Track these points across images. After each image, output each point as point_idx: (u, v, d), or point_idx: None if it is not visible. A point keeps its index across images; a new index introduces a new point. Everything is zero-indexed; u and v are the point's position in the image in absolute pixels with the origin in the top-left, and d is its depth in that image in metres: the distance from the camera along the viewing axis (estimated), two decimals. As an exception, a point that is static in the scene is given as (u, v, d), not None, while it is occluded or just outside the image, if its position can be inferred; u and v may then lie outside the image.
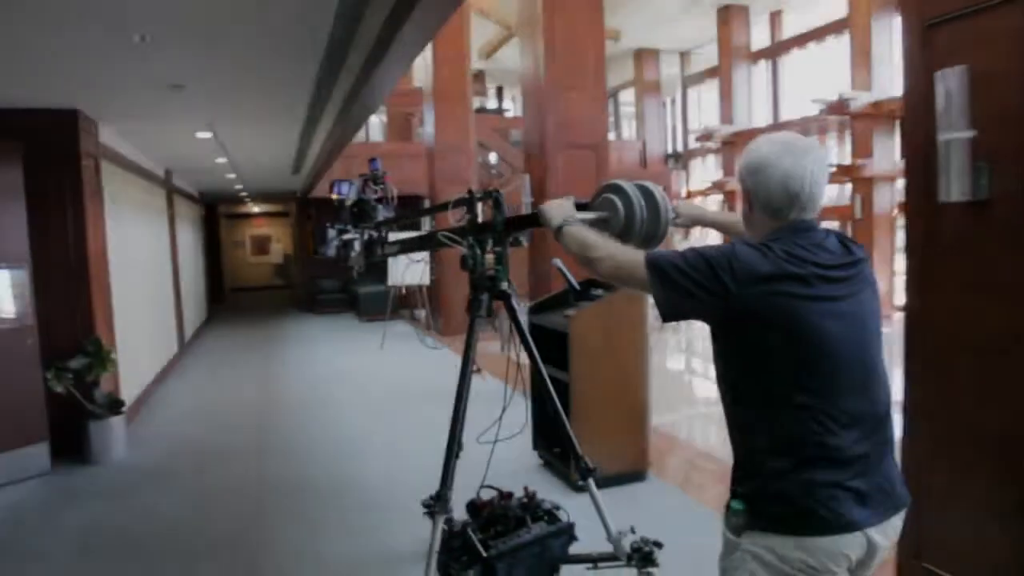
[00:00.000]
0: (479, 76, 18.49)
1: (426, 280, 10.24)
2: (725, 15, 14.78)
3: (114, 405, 5.32)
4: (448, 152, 10.67)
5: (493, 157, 15.44)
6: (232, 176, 11.06)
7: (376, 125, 16.07)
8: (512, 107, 20.31)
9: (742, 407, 1.64)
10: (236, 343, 11.62)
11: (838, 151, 14.39)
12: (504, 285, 2.60)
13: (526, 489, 2.86)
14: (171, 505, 4.38)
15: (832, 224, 14.10)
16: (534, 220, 2.17)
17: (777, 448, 1.55)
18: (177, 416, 6.62)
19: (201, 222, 14.75)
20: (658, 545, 2.44)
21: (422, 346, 9.10)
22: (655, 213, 1.99)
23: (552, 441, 4.48)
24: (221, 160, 8.76)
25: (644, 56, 18.25)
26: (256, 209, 21.86)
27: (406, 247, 3.13)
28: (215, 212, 19.59)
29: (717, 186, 15.29)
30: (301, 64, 4.30)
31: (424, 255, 8.68)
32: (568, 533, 2.73)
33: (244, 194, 16.03)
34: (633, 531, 2.51)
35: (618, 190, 2.03)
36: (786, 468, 1.53)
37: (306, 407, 6.79)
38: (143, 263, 7.68)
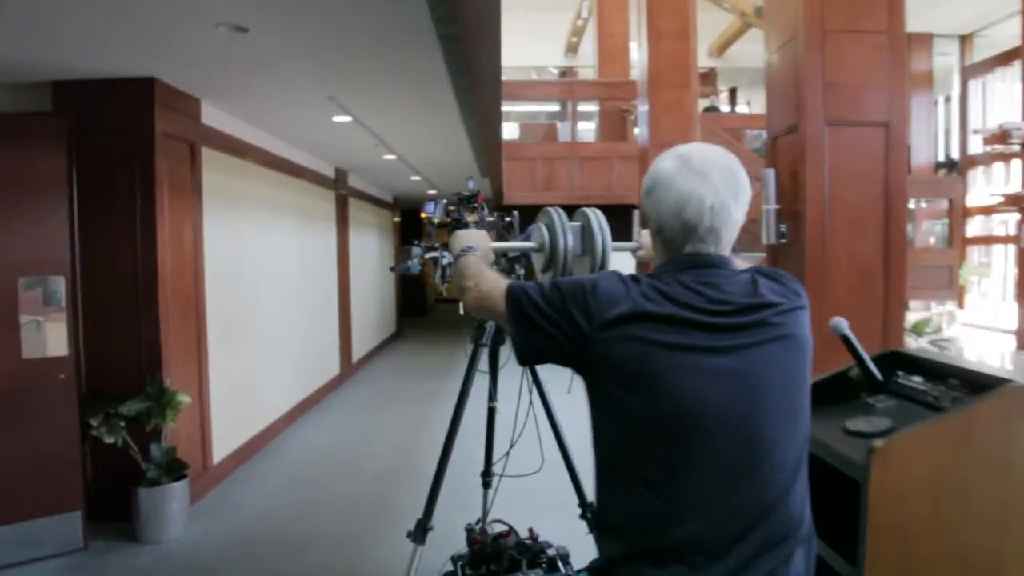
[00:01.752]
0: (708, 75, 16.16)
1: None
2: (1037, -23, 11.25)
3: (173, 467, 3.98)
4: (665, 150, 8.55)
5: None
6: (416, 178, 9.89)
7: (587, 131, 14.46)
8: (747, 111, 17.76)
9: (597, 474, 1.31)
10: (409, 368, 10.32)
11: None
12: None
13: (531, 530, 2.77)
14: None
15: None
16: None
17: (617, 528, 1.25)
18: (283, 477, 5.15)
19: (393, 229, 13.89)
20: None
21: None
22: (590, 242, 1.82)
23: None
24: (389, 157, 7.49)
25: (913, 43, 14.88)
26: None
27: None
28: (418, 220, 19.08)
29: (1011, 200, 11.58)
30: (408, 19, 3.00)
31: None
32: None
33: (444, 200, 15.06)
34: None
35: (545, 215, 1.86)
36: (622, 555, 1.22)
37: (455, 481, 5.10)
38: (283, 277, 6.50)
